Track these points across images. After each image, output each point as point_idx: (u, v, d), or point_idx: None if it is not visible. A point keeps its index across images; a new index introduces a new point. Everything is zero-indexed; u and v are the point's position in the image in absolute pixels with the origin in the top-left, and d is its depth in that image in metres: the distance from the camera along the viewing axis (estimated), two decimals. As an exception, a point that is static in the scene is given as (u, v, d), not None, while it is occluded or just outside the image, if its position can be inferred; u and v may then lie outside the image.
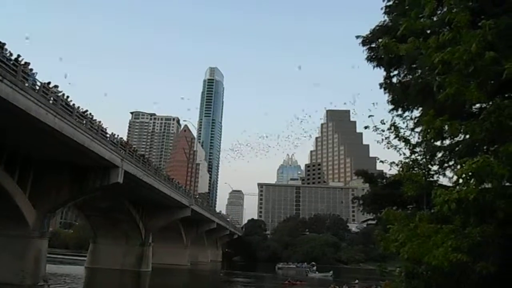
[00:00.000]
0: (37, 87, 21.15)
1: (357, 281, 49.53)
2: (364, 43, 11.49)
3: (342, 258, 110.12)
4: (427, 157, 8.11)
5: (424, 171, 7.73)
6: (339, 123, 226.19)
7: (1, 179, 24.64)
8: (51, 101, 21.90)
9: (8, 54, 19.59)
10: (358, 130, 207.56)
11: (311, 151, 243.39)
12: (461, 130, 5.46)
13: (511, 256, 5.84)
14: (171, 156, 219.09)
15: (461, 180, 5.11)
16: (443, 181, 8.16)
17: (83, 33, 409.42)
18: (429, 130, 5.85)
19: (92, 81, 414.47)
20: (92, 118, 27.16)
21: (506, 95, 6.48)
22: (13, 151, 25.89)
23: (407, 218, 6.78)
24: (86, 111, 26.73)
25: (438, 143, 8.02)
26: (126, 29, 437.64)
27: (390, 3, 11.19)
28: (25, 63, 20.72)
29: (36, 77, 21.66)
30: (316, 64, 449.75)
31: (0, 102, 17.81)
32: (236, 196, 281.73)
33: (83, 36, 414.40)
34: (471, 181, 4.98)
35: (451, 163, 8.30)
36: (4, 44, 19.36)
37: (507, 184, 5.68)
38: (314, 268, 78.35)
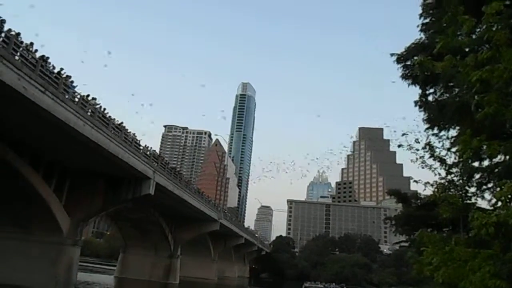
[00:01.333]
0: (77, 99, 22.02)
1: None
2: (399, 60, 11.37)
3: (373, 280, 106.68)
4: (464, 178, 7.85)
5: (461, 192, 7.48)
6: (371, 141, 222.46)
7: (39, 187, 25.61)
8: (89, 113, 22.71)
9: (51, 68, 20.53)
10: (391, 149, 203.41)
11: (342, 169, 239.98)
12: (500, 151, 5.26)
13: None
14: (202, 169, 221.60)
15: (500, 203, 4.90)
16: (482, 203, 7.86)
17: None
18: (466, 150, 5.68)
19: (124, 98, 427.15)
20: (127, 130, 27.91)
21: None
22: (51, 160, 26.93)
23: (442, 241, 6.56)
24: (122, 123, 27.54)
25: (476, 164, 7.76)
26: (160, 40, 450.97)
27: (427, 20, 11.06)
28: (67, 76, 21.64)
29: (76, 89, 22.58)
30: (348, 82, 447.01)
31: (41, 113, 18.63)
32: (265, 212, 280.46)
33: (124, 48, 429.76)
34: (511, 204, 4.77)
35: (489, 185, 8.01)
36: (48, 58, 20.32)
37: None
38: (344, 288, 76.40)
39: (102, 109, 24.92)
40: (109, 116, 25.60)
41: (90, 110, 23.04)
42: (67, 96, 20.79)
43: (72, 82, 22.24)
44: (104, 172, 29.76)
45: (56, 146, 24.95)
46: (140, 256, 47.73)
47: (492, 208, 5.60)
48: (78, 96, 22.27)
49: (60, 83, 20.17)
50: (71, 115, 20.42)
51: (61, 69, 21.25)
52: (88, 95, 23.35)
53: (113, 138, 25.03)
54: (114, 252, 72.54)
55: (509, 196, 4.65)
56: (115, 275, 48.45)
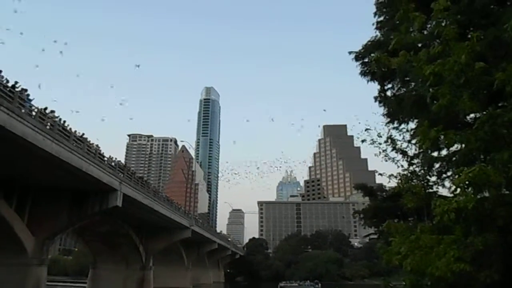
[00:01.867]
0: (34, 113, 21.22)
1: None
2: (357, 58, 11.66)
3: (346, 275, 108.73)
4: (425, 168, 8.17)
5: (422, 182, 7.77)
6: (336, 138, 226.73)
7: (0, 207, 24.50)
8: (48, 127, 21.94)
9: (4, 81, 19.70)
10: (355, 144, 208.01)
11: (309, 167, 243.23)
12: (456, 140, 5.52)
13: (513, 263, 5.83)
14: (170, 177, 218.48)
15: (459, 190, 5.14)
16: (443, 191, 8.19)
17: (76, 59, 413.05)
18: (424, 141, 5.92)
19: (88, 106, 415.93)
20: (89, 142, 27.16)
21: (499, 104, 6.58)
22: (10, 178, 25.77)
23: (408, 230, 6.79)
24: (83, 135, 26.77)
25: (435, 154, 8.08)
26: (120, 53, 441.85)
27: (381, 18, 11.42)
28: (22, 89, 20.82)
29: (33, 103, 21.76)
30: (312, 79, 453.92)
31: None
32: (237, 215, 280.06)
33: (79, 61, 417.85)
34: (469, 190, 5.02)
35: (449, 173, 8.34)
36: (1, 71, 19.50)
37: (506, 192, 5.71)
38: (319, 285, 77.23)
39: (62, 122, 24.14)
40: (70, 128, 24.83)
41: (49, 124, 22.26)
42: (23, 110, 20.00)
43: (28, 95, 21.43)
44: (68, 187, 28.78)
45: (15, 163, 23.90)
46: (111, 270, 46.37)
47: (452, 195, 5.86)
48: (36, 110, 21.47)
49: (15, 97, 19.37)
50: (29, 130, 19.63)
51: (16, 82, 20.44)
52: (45, 108, 22.57)
53: (76, 151, 24.28)
54: (84, 268, 70.17)
55: (467, 183, 4.88)
56: (86, 292, 46.94)
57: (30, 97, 21.76)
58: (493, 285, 5.58)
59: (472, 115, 6.89)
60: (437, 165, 8.39)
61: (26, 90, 21.18)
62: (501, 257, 5.78)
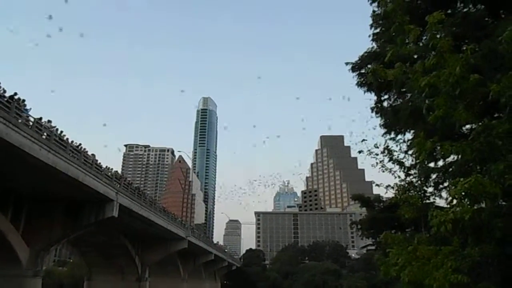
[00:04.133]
0: (31, 123, 21.18)
1: None
2: (353, 69, 11.77)
3: (344, 286, 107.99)
4: (422, 179, 8.20)
5: (419, 193, 7.79)
6: (333, 148, 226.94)
7: (-6, 217, 24.29)
8: (44, 136, 21.89)
9: (1, 91, 19.70)
10: (352, 155, 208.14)
11: (307, 177, 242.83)
12: (452, 151, 5.54)
13: (510, 274, 5.82)
14: (166, 187, 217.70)
15: (455, 201, 5.15)
16: (440, 202, 8.20)
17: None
18: (421, 152, 5.94)
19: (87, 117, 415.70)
20: (86, 152, 27.09)
21: (495, 115, 6.63)
22: (5, 188, 25.62)
23: (405, 241, 6.78)
24: (80, 145, 26.71)
25: (432, 164, 8.11)
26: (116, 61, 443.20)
27: (377, 30, 11.54)
28: (19, 99, 20.81)
29: (30, 113, 21.74)
30: (310, 91, 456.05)
31: (-7, 140, 17.77)
32: (233, 226, 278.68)
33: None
34: (465, 201, 5.03)
35: (445, 184, 8.37)
36: (-2, 82, 19.51)
37: (503, 203, 5.73)
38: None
39: (58, 132, 24.10)
40: (67, 139, 24.79)
41: (45, 134, 22.22)
42: (20, 120, 19.97)
43: (25, 105, 21.42)
44: (64, 197, 28.59)
45: (10, 173, 23.78)
46: (107, 282, 45.87)
47: (449, 206, 5.87)
48: (32, 120, 21.44)
49: (12, 107, 19.36)
50: (25, 140, 19.58)
51: (15, 93, 20.49)
52: (41, 118, 22.53)
53: (72, 161, 24.20)
54: (79, 280, 69.33)
55: (463, 194, 4.90)
56: (80, 304, 46.38)
57: (27, 107, 21.76)
58: (491, 297, 5.56)
59: (468, 126, 6.93)
60: (433, 176, 8.43)
61: (23, 100, 21.18)
62: (498, 269, 5.78)
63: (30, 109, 21.91)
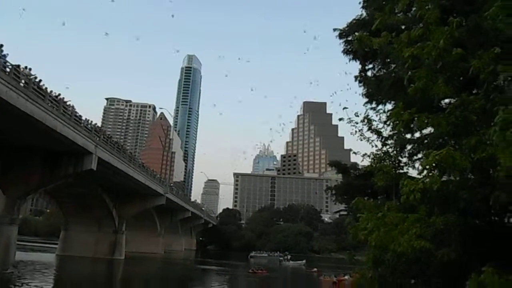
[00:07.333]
0: (8, 69, 20.49)
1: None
2: (341, 36, 11.66)
3: (314, 248, 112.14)
4: (398, 149, 8.39)
5: (394, 162, 8.00)
6: (315, 115, 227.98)
7: (-32, 163, 23.92)
8: (22, 84, 21.27)
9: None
10: (334, 123, 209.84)
11: (287, 142, 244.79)
12: (428, 123, 5.67)
13: (470, 243, 6.17)
14: (147, 143, 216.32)
15: (425, 171, 5.33)
16: (413, 173, 8.45)
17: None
18: (397, 122, 6.06)
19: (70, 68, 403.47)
20: (65, 103, 26.54)
21: (473, 92, 6.76)
22: (-19, 135, 25.12)
23: (376, 207, 7.04)
24: (59, 95, 26.11)
25: (408, 136, 8.29)
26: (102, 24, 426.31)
27: (368, -3, 11.37)
28: (-4, 44, 20.03)
29: (7, 59, 20.97)
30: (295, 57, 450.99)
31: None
32: (212, 186, 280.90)
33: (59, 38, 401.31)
34: (435, 172, 5.21)
35: (419, 155, 8.59)
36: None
37: (471, 176, 5.96)
38: (289, 257, 79.36)
39: (37, 81, 23.43)
40: (46, 88, 24.15)
41: (23, 81, 21.58)
42: (-4, 66, 19.31)
43: (2, 51, 20.63)
44: (42, 147, 28.25)
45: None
46: (83, 232, 46.38)
47: (419, 176, 6.08)
48: (10, 66, 20.72)
49: (-13, 51, 18.66)
50: (2, 86, 19.04)
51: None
52: (19, 65, 21.80)
53: (50, 111, 23.72)
54: (55, 230, 69.88)
55: (434, 165, 5.07)
56: (56, 253, 46.83)
57: (4, 53, 20.97)
58: (450, 263, 5.90)
59: (446, 100, 7.07)
60: (409, 147, 8.63)
61: (1, 46, 20.38)
62: (459, 237, 6.10)
63: (8, 54, 21.14)
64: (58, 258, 44.48)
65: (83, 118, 29.50)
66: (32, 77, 22.87)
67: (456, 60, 5.30)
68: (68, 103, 27.06)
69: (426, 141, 7.55)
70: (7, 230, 27.36)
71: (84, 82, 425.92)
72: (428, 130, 7.07)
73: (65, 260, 42.91)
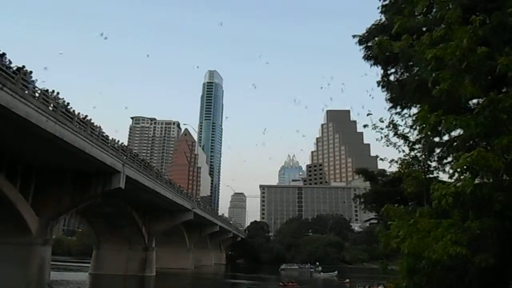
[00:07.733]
0: (37, 94, 21.25)
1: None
2: (360, 42, 11.56)
3: (345, 258, 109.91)
4: (426, 153, 8.17)
5: (423, 167, 7.79)
6: (339, 123, 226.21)
7: (3, 187, 24.71)
8: (51, 108, 21.98)
9: (7, 63, 19.68)
10: (358, 130, 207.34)
11: (312, 152, 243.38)
12: (456, 125, 5.51)
13: (509, 248, 5.89)
14: (172, 160, 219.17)
15: (457, 175, 5.16)
16: (443, 177, 8.21)
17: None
18: (424, 126, 5.92)
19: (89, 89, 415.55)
20: (92, 124, 27.24)
21: (503, 90, 6.55)
22: (14, 159, 25.97)
23: (407, 214, 6.84)
24: (86, 116, 26.84)
25: (437, 139, 8.07)
26: (125, 38, 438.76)
27: (386, 2, 11.27)
28: (25, 71, 20.82)
29: (36, 84, 21.78)
30: (318, 63, 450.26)
31: (0, 110, 17.89)
32: (238, 199, 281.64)
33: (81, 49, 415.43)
34: (467, 175, 5.04)
35: (449, 158, 8.34)
36: (4, 53, 19.48)
37: (505, 177, 5.73)
38: (320, 268, 77.96)
39: (65, 104, 24.18)
40: (73, 110, 24.89)
41: (52, 105, 22.30)
42: (26, 92, 20.03)
43: (31, 77, 21.44)
44: (72, 168, 29.03)
45: (18, 144, 24.05)
46: (114, 251, 47.10)
47: (451, 180, 5.89)
48: (39, 91, 21.49)
49: (18, 79, 19.38)
50: (32, 111, 19.70)
51: (23, 66, 20.59)
52: (47, 90, 22.58)
53: (79, 133, 24.38)
54: (87, 249, 71.20)
55: (465, 167, 4.90)
56: (89, 272, 47.70)
57: (33, 79, 21.77)
58: (488, 269, 5.65)
59: (474, 101, 6.86)
60: (438, 150, 8.40)
61: (30, 72, 21.20)
62: (496, 242, 5.84)
63: (36, 80, 21.95)
64: (91, 277, 45.28)
65: (110, 138, 30.19)
66: (60, 100, 23.62)
67: (482, 59, 5.16)
68: (96, 124, 27.79)
69: (455, 143, 7.33)
70: (41, 250, 28.04)
71: (108, 97, 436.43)
72: (457, 132, 6.88)
73: (98, 279, 43.63)
